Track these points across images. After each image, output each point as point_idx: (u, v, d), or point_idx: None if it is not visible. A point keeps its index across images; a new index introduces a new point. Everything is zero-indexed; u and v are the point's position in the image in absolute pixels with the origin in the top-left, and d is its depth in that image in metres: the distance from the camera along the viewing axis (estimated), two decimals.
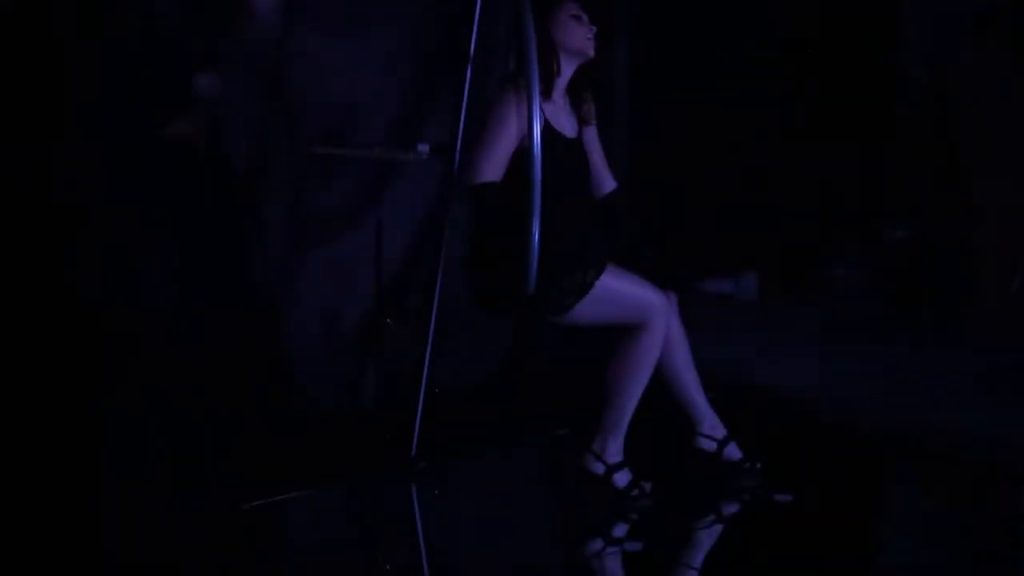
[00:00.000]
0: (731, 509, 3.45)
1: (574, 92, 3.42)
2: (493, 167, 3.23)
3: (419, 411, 3.72)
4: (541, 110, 3.24)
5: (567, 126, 3.38)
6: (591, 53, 3.36)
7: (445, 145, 3.86)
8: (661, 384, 3.42)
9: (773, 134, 6.91)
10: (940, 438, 4.01)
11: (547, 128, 3.28)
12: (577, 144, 3.40)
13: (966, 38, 6.37)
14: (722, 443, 3.50)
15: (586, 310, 3.22)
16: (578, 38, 3.33)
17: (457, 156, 3.78)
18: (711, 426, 3.50)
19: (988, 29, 6.49)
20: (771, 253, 6.80)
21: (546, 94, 3.30)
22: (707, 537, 3.32)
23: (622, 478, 3.35)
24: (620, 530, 3.24)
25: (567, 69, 3.37)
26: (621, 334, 3.30)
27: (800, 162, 6.96)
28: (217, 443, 3.71)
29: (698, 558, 3.18)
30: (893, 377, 4.79)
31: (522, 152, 3.22)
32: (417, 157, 3.87)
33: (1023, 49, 6.34)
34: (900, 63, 6.95)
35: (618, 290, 3.23)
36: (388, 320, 4.05)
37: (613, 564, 3.08)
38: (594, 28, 3.35)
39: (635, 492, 3.34)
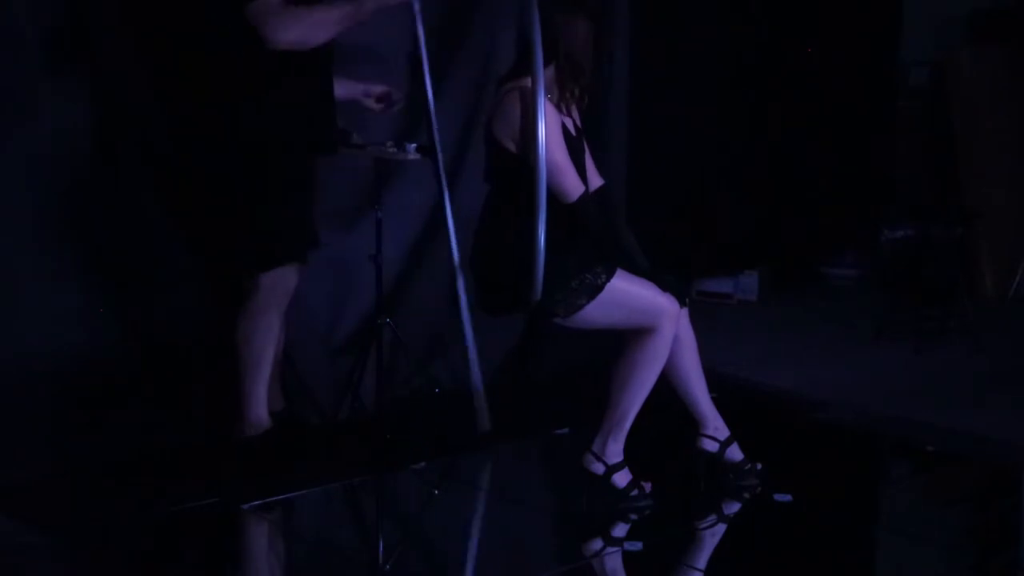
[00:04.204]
0: (731, 509, 3.45)
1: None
2: (575, 177, 3.25)
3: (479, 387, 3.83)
4: (557, 112, 3.25)
5: (569, 125, 3.38)
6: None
7: (428, 145, 3.85)
8: (664, 384, 3.41)
9: (773, 134, 6.92)
10: (940, 438, 4.01)
11: (563, 128, 3.29)
12: (579, 142, 3.40)
13: (965, 37, 6.37)
14: (724, 444, 3.50)
15: (596, 312, 3.21)
16: (587, 61, 3.31)
17: (440, 156, 3.76)
18: (715, 428, 3.50)
19: (986, 28, 6.49)
20: (771, 253, 6.80)
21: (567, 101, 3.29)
22: (707, 537, 3.32)
23: (622, 478, 3.34)
24: (620, 530, 3.24)
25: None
26: (629, 336, 3.29)
27: (800, 162, 6.96)
28: (217, 442, 3.71)
29: (698, 558, 3.18)
30: (893, 377, 4.79)
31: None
32: (414, 157, 3.87)
33: (1021, 48, 6.35)
34: (900, 63, 6.95)
35: (628, 293, 3.22)
36: (388, 320, 4.04)
37: (613, 564, 3.08)
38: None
39: (635, 492, 3.34)
